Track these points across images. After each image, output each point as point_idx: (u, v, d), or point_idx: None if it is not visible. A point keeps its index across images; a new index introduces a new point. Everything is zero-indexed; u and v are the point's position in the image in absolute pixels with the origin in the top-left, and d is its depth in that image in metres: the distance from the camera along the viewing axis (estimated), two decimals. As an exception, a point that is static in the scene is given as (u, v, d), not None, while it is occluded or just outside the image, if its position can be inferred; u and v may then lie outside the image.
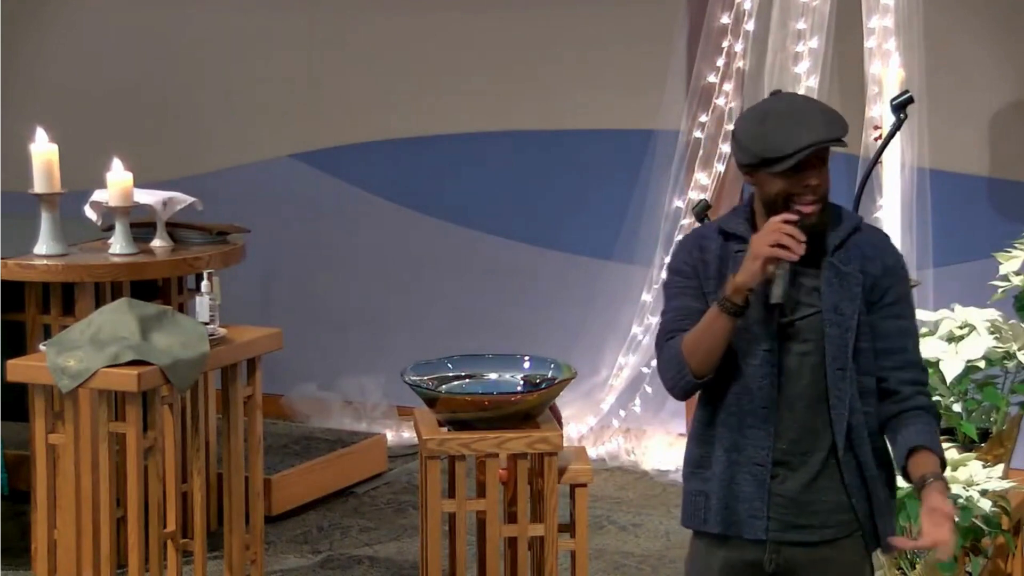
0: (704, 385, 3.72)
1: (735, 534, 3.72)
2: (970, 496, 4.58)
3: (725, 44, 7.03)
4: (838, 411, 3.68)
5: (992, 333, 5.13)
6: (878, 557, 4.99)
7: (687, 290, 3.76)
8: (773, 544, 3.71)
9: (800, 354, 3.68)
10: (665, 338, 3.75)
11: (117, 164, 6.09)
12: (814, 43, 6.82)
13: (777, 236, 3.58)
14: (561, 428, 5.16)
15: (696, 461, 3.78)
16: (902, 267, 3.77)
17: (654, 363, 7.27)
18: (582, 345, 7.42)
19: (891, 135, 5.20)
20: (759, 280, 3.62)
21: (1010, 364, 5.14)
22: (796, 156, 3.57)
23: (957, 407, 5.12)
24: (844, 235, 3.71)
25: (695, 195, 7.07)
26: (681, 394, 3.76)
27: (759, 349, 3.68)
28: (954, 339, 5.13)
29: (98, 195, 6.24)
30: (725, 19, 7.00)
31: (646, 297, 7.30)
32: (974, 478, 4.63)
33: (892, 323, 3.71)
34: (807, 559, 3.72)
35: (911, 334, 3.74)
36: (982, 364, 5.08)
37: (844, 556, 3.75)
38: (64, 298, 6.18)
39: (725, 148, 7.07)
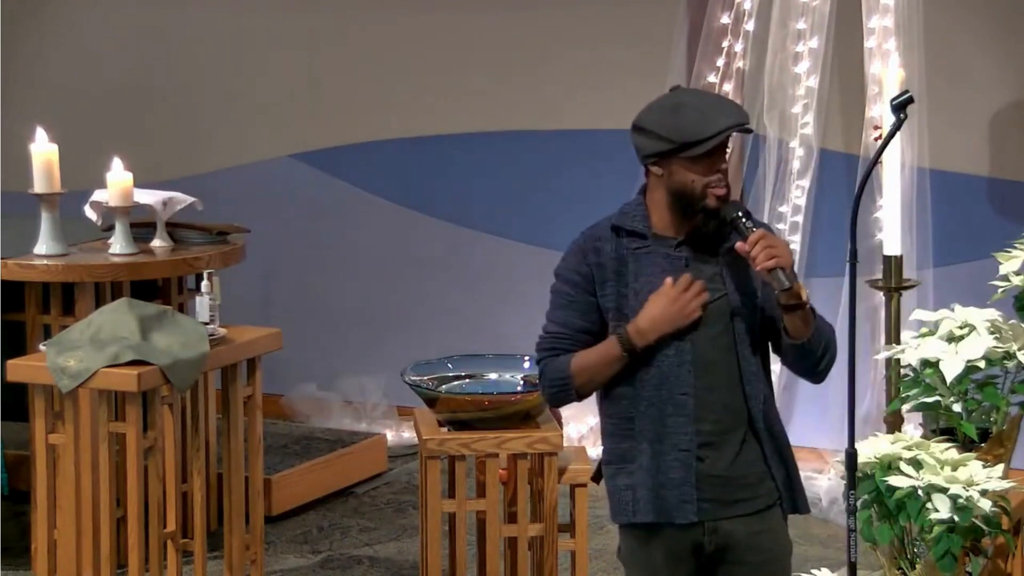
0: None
1: (667, 521, 3.81)
2: (970, 496, 4.58)
3: (725, 44, 7.03)
4: (753, 386, 3.83)
5: (992, 333, 5.13)
6: (878, 556, 4.99)
7: (574, 304, 3.90)
8: (710, 524, 3.83)
9: (711, 338, 3.82)
10: (547, 352, 3.91)
11: (117, 164, 6.09)
12: (814, 43, 6.82)
13: (684, 303, 3.77)
14: (561, 428, 5.17)
15: (620, 456, 3.87)
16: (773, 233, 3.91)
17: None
18: (582, 345, 7.41)
19: (891, 135, 5.18)
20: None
21: (1010, 364, 5.14)
22: (717, 138, 3.75)
23: (957, 407, 5.12)
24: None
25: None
26: (559, 407, 4.10)
27: (673, 340, 3.80)
28: (954, 339, 5.12)
29: (98, 195, 6.24)
30: (725, 19, 7.00)
31: (646, 297, 7.29)
32: (974, 478, 4.63)
33: (771, 293, 3.82)
34: (744, 532, 3.86)
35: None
36: (982, 364, 5.08)
37: (773, 524, 3.91)
38: (64, 298, 6.18)
39: (725, 148, 7.06)
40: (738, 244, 3.77)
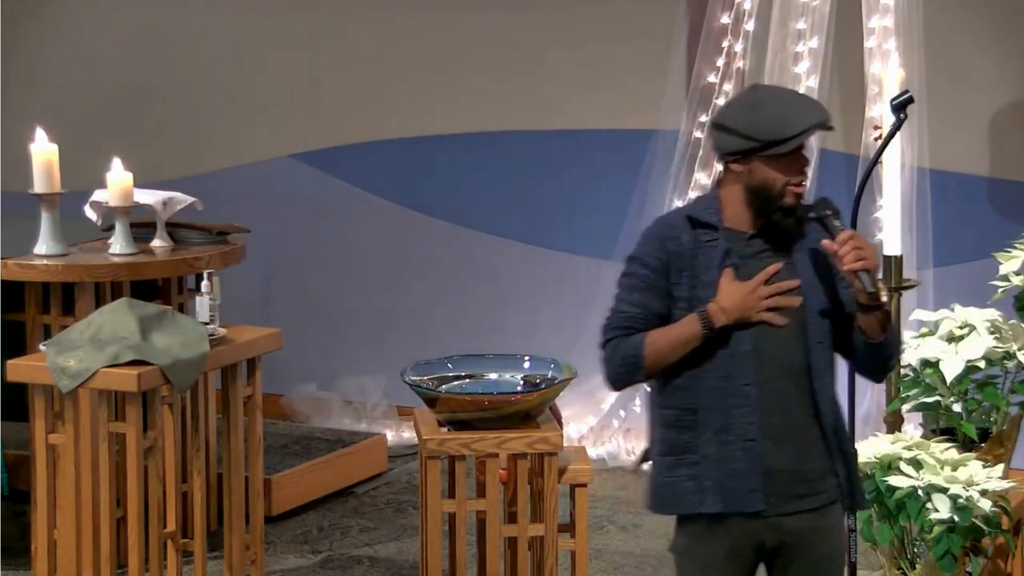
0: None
1: (734, 510, 3.81)
2: (970, 496, 4.59)
3: (725, 44, 7.03)
4: (821, 382, 3.83)
5: (992, 333, 5.13)
6: (878, 556, 4.99)
7: (652, 288, 3.86)
8: (773, 519, 3.82)
9: (777, 331, 3.82)
10: (619, 331, 3.86)
11: (117, 164, 6.09)
12: (814, 43, 6.82)
13: (759, 297, 3.79)
14: (561, 428, 5.16)
15: (682, 447, 3.85)
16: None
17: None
18: (582, 345, 7.40)
19: (891, 135, 5.20)
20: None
21: (1010, 364, 5.14)
22: (800, 137, 3.74)
23: (957, 407, 5.12)
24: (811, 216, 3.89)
25: (695, 195, 7.07)
26: (621, 389, 3.96)
27: (737, 331, 3.81)
28: (954, 339, 5.13)
29: (98, 195, 6.24)
30: (725, 19, 7.00)
31: (646, 297, 7.29)
32: (974, 478, 4.63)
33: (848, 292, 3.84)
34: (807, 527, 3.85)
35: None
36: (982, 364, 5.09)
37: (831, 521, 3.90)
38: (64, 298, 6.18)
39: (725, 148, 7.07)
40: (825, 242, 3.78)
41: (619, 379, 3.90)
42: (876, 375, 3.96)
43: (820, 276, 3.83)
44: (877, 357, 3.85)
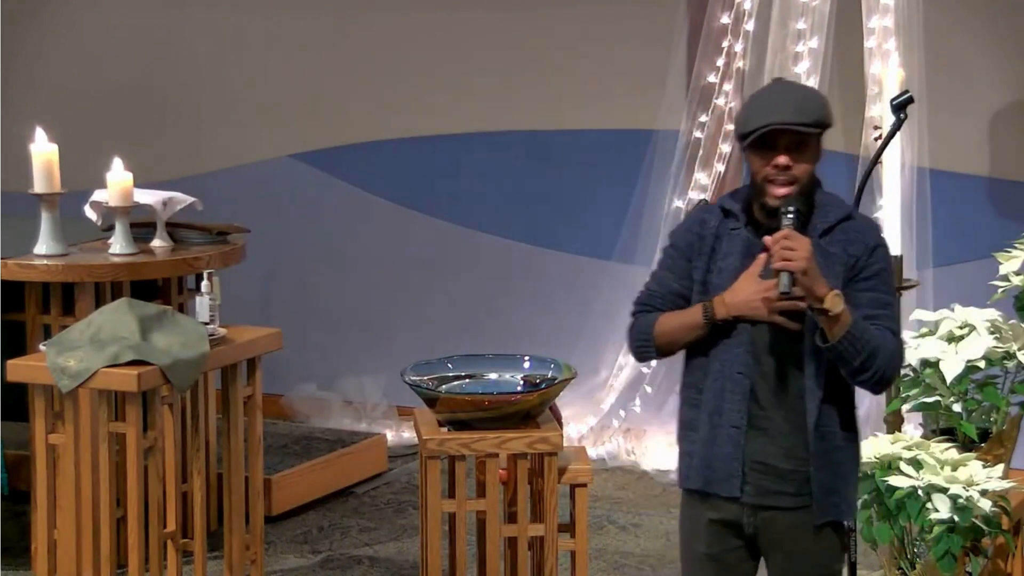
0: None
1: (714, 492, 3.91)
2: (970, 496, 4.58)
3: (725, 44, 7.03)
4: (815, 382, 3.85)
5: (992, 333, 5.13)
6: (878, 556, 4.99)
7: (674, 267, 3.97)
8: (750, 507, 3.89)
9: (778, 327, 3.85)
10: (642, 307, 4.01)
11: (117, 164, 6.09)
12: (814, 43, 6.82)
13: (780, 305, 3.80)
14: (561, 428, 5.16)
15: (687, 424, 3.98)
16: (884, 248, 3.94)
17: (654, 363, 7.32)
18: (582, 345, 7.42)
19: (891, 135, 5.20)
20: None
21: (1010, 364, 5.14)
22: (754, 135, 3.78)
23: (957, 407, 5.12)
24: (834, 221, 3.88)
25: (695, 195, 7.07)
26: (642, 361, 4.40)
27: (742, 322, 3.87)
28: (954, 339, 5.13)
29: (98, 195, 6.24)
30: (725, 19, 7.01)
31: (646, 297, 7.29)
32: (974, 478, 4.63)
33: (868, 295, 3.86)
34: (783, 524, 3.89)
35: (887, 305, 3.89)
36: (982, 364, 5.08)
37: (810, 523, 3.90)
38: (64, 298, 6.18)
39: (725, 148, 7.07)
40: (766, 238, 3.79)
41: (636, 354, 4.05)
42: (857, 383, 3.87)
43: (828, 277, 3.81)
44: (839, 363, 3.82)
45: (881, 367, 3.80)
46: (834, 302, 3.75)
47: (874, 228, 3.92)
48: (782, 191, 3.81)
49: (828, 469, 3.88)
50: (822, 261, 3.81)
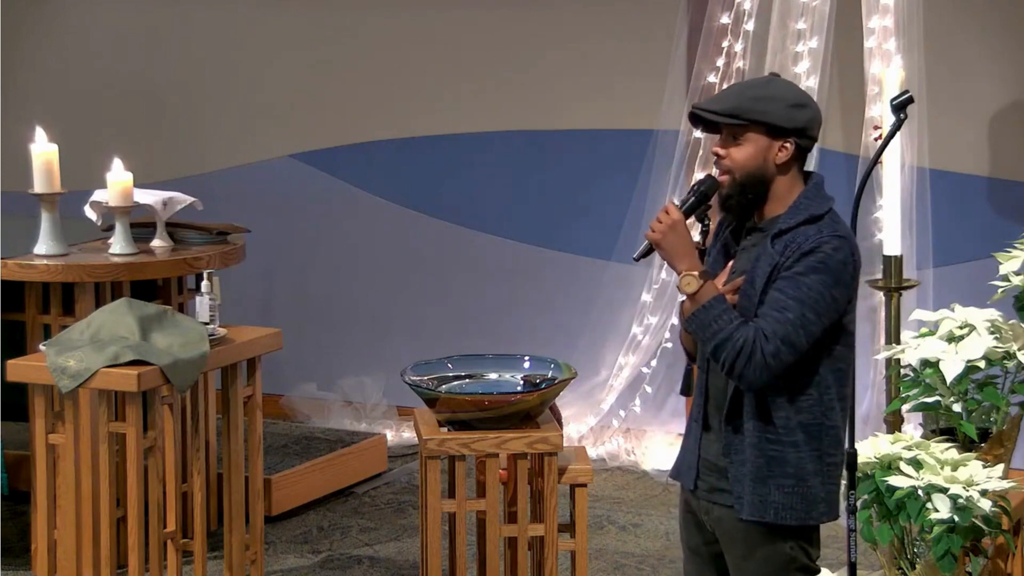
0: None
1: (682, 482, 4.02)
2: (970, 496, 4.58)
3: (725, 44, 7.03)
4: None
5: (992, 333, 5.13)
6: (878, 556, 4.99)
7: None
8: (703, 503, 3.95)
9: None
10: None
11: (117, 164, 6.09)
12: (814, 43, 6.82)
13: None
14: (561, 428, 5.16)
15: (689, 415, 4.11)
16: (819, 255, 3.78)
17: (654, 363, 7.32)
18: (582, 345, 7.42)
19: (891, 135, 5.19)
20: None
21: (1010, 364, 5.14)
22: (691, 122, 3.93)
23: (957, 407, 5.12)
24: (793, 224, 3.83)
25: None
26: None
27: None
28: (954, 339, 5.13)
29: (98, 195, 6.24)
30: (725, 19, 7.00)
31: (646, 297, 7.30)
32: (974, 478, 4.63)
33: (772, 294, 3.81)
34: (728, 523, 3.90)
35: (783, 309, 3.76)
36: (982, 364, 5.08)
37: (738, 522, 3.88)
38: (64, 298, 6.18)
39: (725, 148, 7.06)
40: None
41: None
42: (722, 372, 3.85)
43: (753, 270, 3.82)
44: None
45: (727, 360, 3.75)
46: (685, 281, 3.81)
47: (826, 237, 3.78)
48: (721, 178, 3.88)
49: (742, 465, 3.82)
50: (754, 258, 3.82)
